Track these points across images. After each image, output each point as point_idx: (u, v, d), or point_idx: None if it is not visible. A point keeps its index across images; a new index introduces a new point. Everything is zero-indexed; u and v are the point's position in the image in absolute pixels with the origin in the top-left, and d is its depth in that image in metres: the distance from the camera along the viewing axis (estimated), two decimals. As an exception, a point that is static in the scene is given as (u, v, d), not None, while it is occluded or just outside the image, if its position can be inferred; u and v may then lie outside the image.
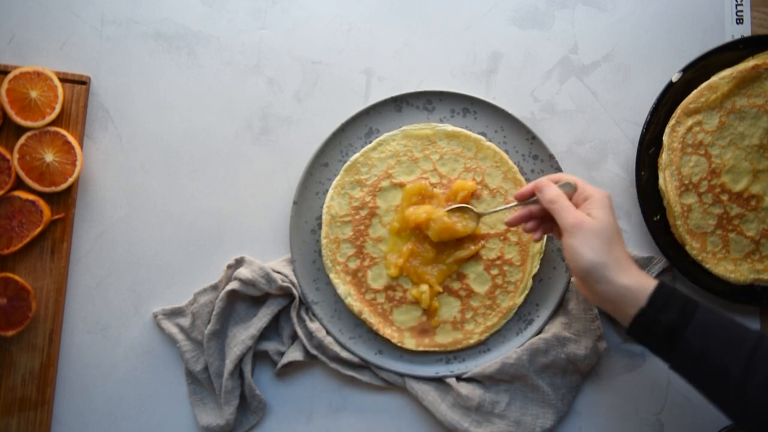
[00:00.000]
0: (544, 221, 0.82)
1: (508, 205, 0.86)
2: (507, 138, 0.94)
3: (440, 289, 0.91)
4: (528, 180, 0.93)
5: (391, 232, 0.92)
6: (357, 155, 0.93)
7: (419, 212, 0.90)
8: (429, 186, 0.92)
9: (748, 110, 0.92)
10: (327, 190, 0.94)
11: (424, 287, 0.91)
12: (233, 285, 0.90)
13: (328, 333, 0.92)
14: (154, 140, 0.96)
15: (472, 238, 0.91)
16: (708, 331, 0.70)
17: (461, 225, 0.90)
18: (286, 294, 0.91)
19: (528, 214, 0.82)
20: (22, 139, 0.91)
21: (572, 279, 0.92)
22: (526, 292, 0.92)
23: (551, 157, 0.93)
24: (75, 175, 0.92)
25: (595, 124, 0.97)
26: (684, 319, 0.71)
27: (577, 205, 0.78)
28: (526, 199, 0.82)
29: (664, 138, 0.92)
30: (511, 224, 0.84)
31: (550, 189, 0.78)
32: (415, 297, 0.91)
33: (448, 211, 0.90)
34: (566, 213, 0.76)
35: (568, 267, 0.91)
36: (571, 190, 0.79)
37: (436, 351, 0.92)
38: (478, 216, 0.90)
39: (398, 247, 0.91)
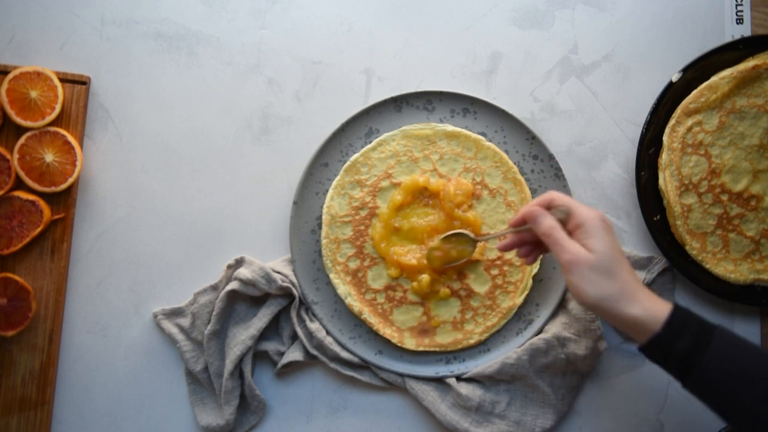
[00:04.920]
0: (538, 246, 0.81)
1: (502, 231, 0.85)
2: (507, 138, 0.94)
3: (436, 276, 0.91)
4: (528, 180, 0.93)
5: (385, 226, 0.92)
6: (357, 155, 0.93)
7: (407, 257, 0.90)
8: (428, 178, 0.91)
9: (748, 110, 0.92)
10: (327, 190, 0.94)
11: (424, 276, 0.90)
12: (233, 285, 0.90)
13: (328, 333, 0.92)
14: (154, 140, 0.96)
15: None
16: (724, 359, 0.69)
17: (456, 251, 0.89)
18: (286, 294, 0.91)
19: (519, 240, 0.81)
20: (22, 139, 0.91)
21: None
22: (526, 292, 0.92)
23: (551, 157, 0.93)
24: (75, 175, 0.92)
25: (595, 124, 0.97)
26: (700, 347, 0.69)
27: (571, 233, 0.75)
28: (520, 225, 0.80)
29: (664, 138, 0.92)
30: (503, 250, 0.83)
31: (543, 220, 0.75)
32: (414, 289, 0.91)
33: (443, 239, 0.89)
34: (561, 248, 0.73)
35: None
36: (563, 215, 0.76)
37: (436, 351, 0.92)
38: (475, 242, 0.89)
39: (390, 240, 0.91)
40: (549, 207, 0.77)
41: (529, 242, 0.81)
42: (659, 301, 0.73)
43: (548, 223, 0.75)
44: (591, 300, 0.72)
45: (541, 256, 0.91)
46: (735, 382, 0.68)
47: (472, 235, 0.89)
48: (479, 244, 0.91)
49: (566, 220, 0.76)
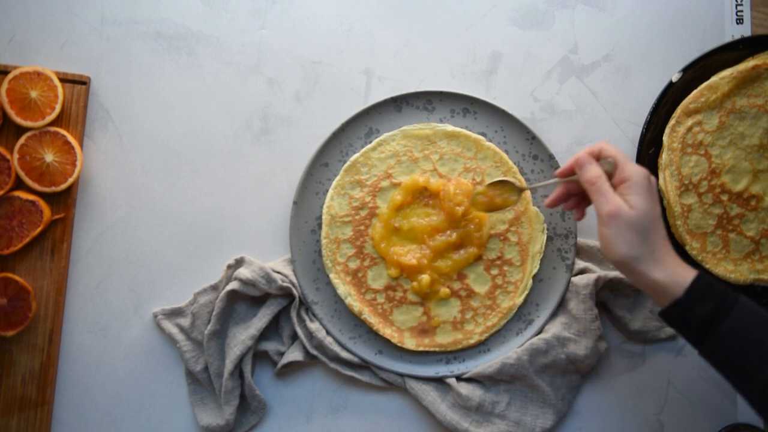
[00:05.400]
0: (585, 198, 0.81)
1: (549, 181, 0.84)
2: (507, 138, 0.94)
3: (436, 277, 0.91)
4: (528, 180, 0.93)
5: (385, 226, 0.92)
6: (357, 155, 0.93)
7: (407, 257, 0.90)
8: (428, 178, 0.91)
9: (748, 110, 0.92)
10: (327, 190, 0.94)
11: (424, 276, 0.90)
12: (233, 285, 0.90)
13: (328, 333, 0.92)
14: (154, 140, 0.96)
15: (472, 240, 0.91)
16: (743, 329, 0.69)
17: (501, 199, 0.88)
18: (286, 294, 0.91)
19: (566, 192, 0.81)
20: (22, 139, 0.91)
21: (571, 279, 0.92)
22: (526, 292, 0.92)
23: (551, 157, 0.93)
24: (75, 175, 0.92)
25: (595, 124, 0.97)
26: (720, 314, 0.69)
27: (615, 186, 0.75)
28: (566, 176, 0.80)
29: (664, 138, 0.92)
30: (551, 206, 0.82)
31: (590, 168, 0.75)
32: (414, 289, 0.91)
33: (489, 185, 0.89)
34: (603, 198, 0.73)
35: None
36: (611, 168, 0.76)
37: (436, 351, 0.92)
38: (520, 191, 0.88)
39: (390, 240, 0.91)
40: (598, 158, 0.77)
41: (575, 194, 0.81)
42: (686, 268, 0.72)
43: (594, 172, 0.75)
44: (619, 256, 0.72)
45: (544, 239, 0.91)
46: (752, 353, 0.68)
47: (517, 183, 0.88)
48: (525, 206, 0.91)
49: (612, 173, 0.76)
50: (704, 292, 0.70)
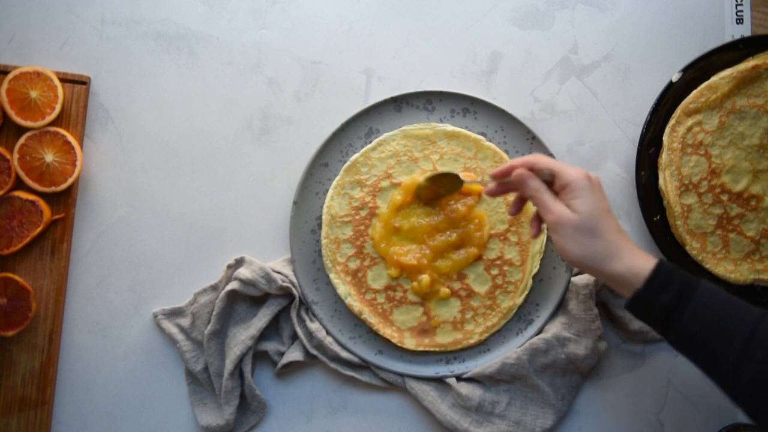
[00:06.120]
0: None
1: (491, 183, 0.83)
2: (507, 138, 0.94)
3: (436, 277, 0.91)
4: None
5: (385, 226, 0.92)
6: (357, 155, 0.93)
7: (407, 257, 0.90)
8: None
9: (748, 110, 0.92)
10: (327, 190, 0.94)
11: (424, 276, 0.90)
12: (233, 285, 0.90)
13: (328, 333, 0.92)
14: (154, 140, 0.96)
15: (472, 240, 0.91)
16: (705, 315, 0.69)
17: (444, 189, 0.89)
18: (286, 294, 0.91)
19: (504, 187, 0.81)
20: (22, 139, 0.91)
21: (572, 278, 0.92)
22: (526, 292, 0.92)
23: (551, 156, 0.93)
24: (75, 175, 0.92)
25: (595, 124, 0.97)
26: (681, 302, 0.70)
27: (557, 193, 0.76)
28: (502, 178, 0.80)
29: (664, 138, 0.92)
30: (491, 194, 0.82)
31: (529, 183, 0.76)
32: (414, 289, 0.91)
33: (430, 177, 0.89)
34: (545, 209, 0.75)
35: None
36: (549, 177, 0.77)
37: (436, 351, 0.92)
38: (461, 182, 0.89)
39: (390, 240, 0.91)
40: (532, 168, 0.77)
41: (514, 189, 0.81)
42: (644, 258, 0.73)
43: (534, 185, 0.76)
44: (574, 258, 0.73)
45: (544, 238, 0.92)
46: (716, 338, 0.68)
47: (460, 175, 0.88)
48: (525, 207, 0.90)
49: (552, 181, 0.77)
50: (664, 281, 0.71)
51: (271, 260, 0.94)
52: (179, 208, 0.96)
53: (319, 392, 0.93)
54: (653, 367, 0.93)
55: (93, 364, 0.94)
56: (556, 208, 0.74)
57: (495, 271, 0.92)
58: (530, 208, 0.92)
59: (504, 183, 0.81)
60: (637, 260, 0.72)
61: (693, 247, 0.91)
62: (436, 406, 0.90)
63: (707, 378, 0.71)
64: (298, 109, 0.97)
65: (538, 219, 0.82)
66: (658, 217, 0.93)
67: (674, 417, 0.92)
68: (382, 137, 0.93)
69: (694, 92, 0.92)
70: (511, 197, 0.92)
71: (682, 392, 0.92)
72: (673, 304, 0.70)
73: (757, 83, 0.91)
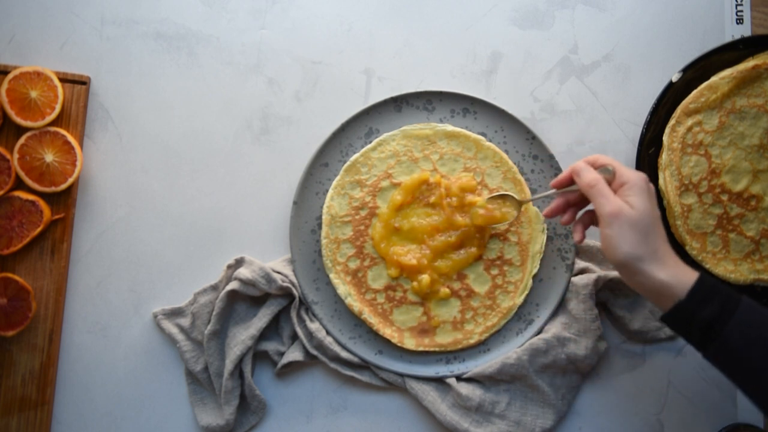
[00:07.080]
0: (583, 207, 0.82)
1: (548, 192, 0.85)
2: (507, 138, 0.94)
3: (436, 277, 0.91)
4: (528, 180, 0.93)
5: (385, 226, 0.92)
6: (357, 155, 0.93)
7: (407, 257, 0.90)
8: (429, 175, 0.92)
9: (748, 110, 0.92)
10: (327, 190, 0.94)
11: (424, 276, 0.90)
12: (233, 285, 0.90)
13: (328, 333, 0.92)
14: (154, 140, 0.96)
15: (472, 240, 0.91)
16: (747, 330, 0.68)
17: (500, 213, 0.90)
18: (286, 294, 0.91)
19: (565, 203, 0.82)
20: (22, 139, 0.91)
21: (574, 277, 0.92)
22: (526, 292, 0.92)
23: (551, 157, 0.93)
24: (75, 175, 0.92)
25: (595, 124, 0.97)
26: (724, 315, 0.69)
27: (615, 190, 0.76)
28: (563, 187, 0.81)
29: (664, 138, 0.92)
30: (550, 216, 0.83)
31: (588, 173, 0.76)
32: (414, 289, 0.91)
33: (489, 198, 0.90)
34: (604, 200, 0.73)
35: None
36: (609, 175, 0.77)
37: (436, 351, 0.92)
38: (520, 204, 0.89)
39: (390, 240, 0.91)
40: (594, 166, 0.78)
41: (574, 204, 0.81)
42: (687, 269, 0.72)
43: (592, 175, 0.76)
44: (621, 257, 0.72)
45: (544, 238, 0.92)
46: (757, 354, 0.67)
47: (517, 196, 0.89)
48: (524, 206, 0.91)
49: (611, 180, 0.77)
50: (707, 294, 0.70)
51: (271, 260, 0.94)
52: (179, 208, 0.96)
53: (319, 392, 0.93)
54: (653, 367, 0.93)
55: (93, 364, 0.94)
56: (616, 201, 0.73)
57: (495, 271, 0.92)
58: (531, 209, 0.92)
59: (564, 196, 0.81)
60: (682, 271, 0.72)
61: (693, 247, 0.91)
62: (436, 406, 0.90)
63: (744, 394, 0.70)
64: (298, 109, 0.97)
65: (582, 223, 0.81)
66: (658, 217, 0.93)
67: (674, 417, 0.92)
68: (382, 137, 0.93)
69: (694, 92, 0.92)
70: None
71: (682, 392, 0.92)
72: (715, 318, 0.69)
73: (757, 83, 0.91)
